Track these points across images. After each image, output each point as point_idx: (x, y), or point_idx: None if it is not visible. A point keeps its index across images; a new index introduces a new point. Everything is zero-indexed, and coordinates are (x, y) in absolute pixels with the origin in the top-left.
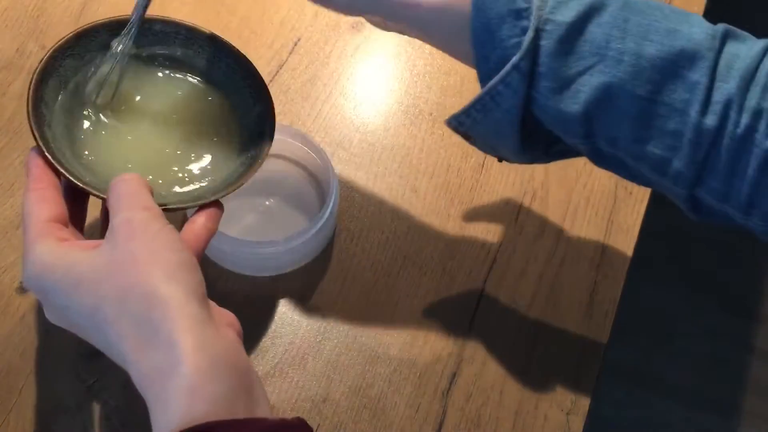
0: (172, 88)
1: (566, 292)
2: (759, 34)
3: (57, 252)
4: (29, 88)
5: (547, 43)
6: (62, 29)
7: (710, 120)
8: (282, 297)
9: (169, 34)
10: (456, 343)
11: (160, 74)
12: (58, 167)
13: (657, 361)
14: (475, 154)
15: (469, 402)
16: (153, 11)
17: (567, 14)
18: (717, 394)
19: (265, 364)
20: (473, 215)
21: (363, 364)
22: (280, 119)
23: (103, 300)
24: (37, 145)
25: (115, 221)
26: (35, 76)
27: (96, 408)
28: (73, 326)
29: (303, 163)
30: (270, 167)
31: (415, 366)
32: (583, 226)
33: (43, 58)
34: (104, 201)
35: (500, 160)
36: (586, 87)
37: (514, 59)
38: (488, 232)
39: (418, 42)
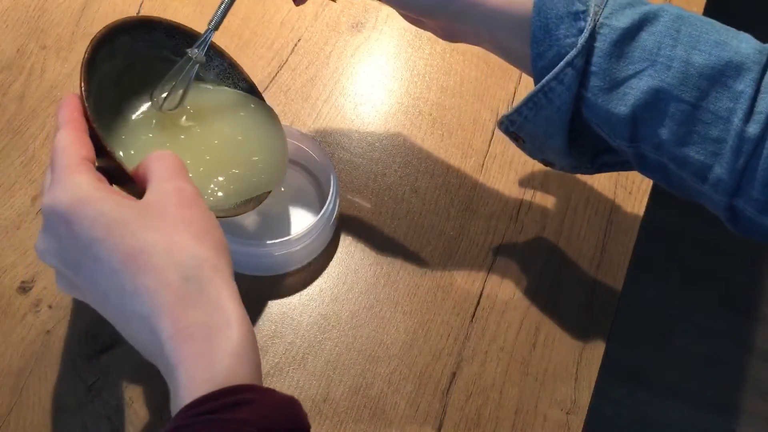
0: (220, 100)
1: (566, 292)
2: (759, 34)
3: (99, 188)
4: (91, 44)
5: (601, 45)
6: (62, 29)
7: (753, 129)
8: (282, 297)
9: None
10: (456, 343)
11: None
12: (94, 125)
13: (657, 361)
14: (475, 154)
15: (469, 402)
16: (154, 11)
17: (622, 20)
18: (717, 394)
19: (265, 363)
20: (473, 215)
21: (363, 364)
22: (281, 119)
23: (151, 247)
24: (81, 93)
25: (165, 186)
26: (99, 36)
27: (96, 408)
28: (85, 277)
29: (303, 163)
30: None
31: (415, 366)
32: (583, 226)
33: (104, 29)
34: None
35: (546, 165)
36: (635, 90)
37: (569, 56)
38: (488, 232)
39: (418, 42)
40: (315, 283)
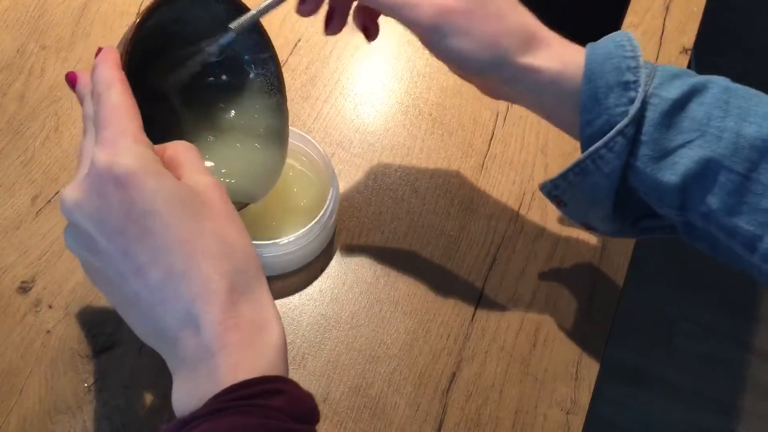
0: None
1: (566, 292)
2: (759, 34)
3: (159, 163)
4: (145, 11)
5: (651, 115)
6: (62, 29)
7: None
8: (282, 297)
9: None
10: (456, 343)
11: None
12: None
13: (657, 361)
14: (475, 154)
15: (469, 402)
16: None
17: (672, 91)
18: (717, 394)
19: None
20: (473, 215)
21: (363, 364)
22: None
23: (209, 233)
24: (124, 57)
25: (204, 178)
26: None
27: (96, 408)
28: (118, 246)
29: (303, 163)
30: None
31: (415, 366)
32: None
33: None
34: None
35: (587, 229)
36: (684, 159)
37: (621, 125)
38: (488, 231)
39: (418, 43)
40: (315, 283)
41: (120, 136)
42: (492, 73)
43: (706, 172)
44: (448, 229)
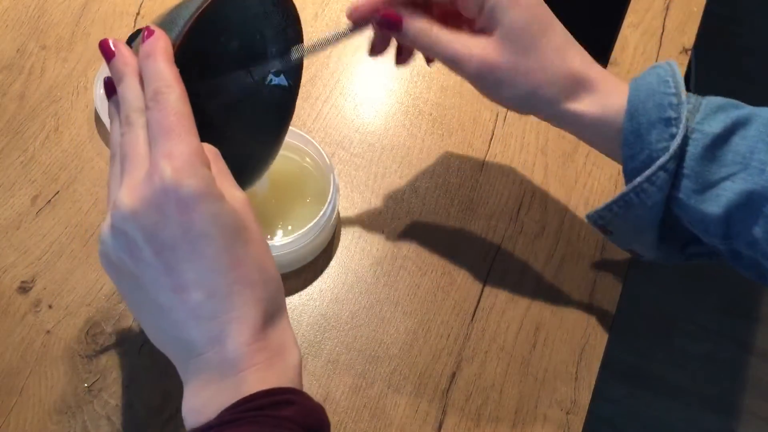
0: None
1: (566, 292)
2: (759, 34)
3: (217, 186)
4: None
5: (693, 149)
6: (62, 29)
7: None
8: None
9: None
10: (456, 343)
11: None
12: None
13: (657, 361)
14: (475, 154)
15: (469, 402)
16: (154, 11)
17: (714, 126)
18: (717, 394)
19: None
20: (473, 215)
21: (363, 364)
22: None
23: (251, 260)
24: (175, 53)
25: (238, 194)
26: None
27: (96, 408)
28: (165, 261)
29: (303, 163)
30: (270, 167)
31: (415, 366)
32: (583, 226)
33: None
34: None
35: (634, 255)
36: (728, 192)
37: (662, 160)
38: (488, 231)
39: None
40: (315, 283)
41: (189, 152)
42: (534, 112)
43: (749, 204)
44: (448, 229)
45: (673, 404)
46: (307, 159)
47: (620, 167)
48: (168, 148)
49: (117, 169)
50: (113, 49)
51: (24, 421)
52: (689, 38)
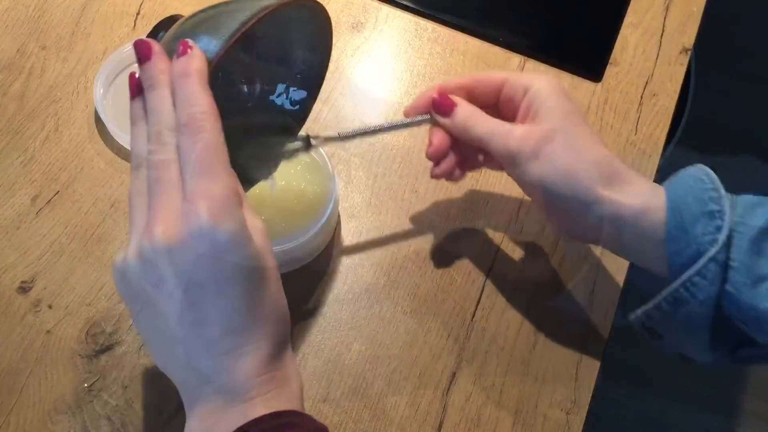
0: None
1: (566, 292)
2: (759, 34)
3: (248, 229)
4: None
5: (740, 242)
6: (62, 29)
7: None
8: None
9: None
10: (456, 343)
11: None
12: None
13: (657, 361)
14: None
15: (469, 402)
16: (154, 11)
17: (758, 219)
18: (717, 394)
19: None
20: (473, 215)
21: (363, 364)
22: None
23: (267, 302)
24: (210, 75)
25: (257, 223)
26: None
27: (96, 408)
28: (189, 299)
29: (303, 163)
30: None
31: (415, 366)
32: None
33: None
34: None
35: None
36: None
37: (712, 252)
38: (488, 231)
39: (418, 42)
40: (315, 284)
41: (226, 194)
42: (573, 203)
43: None
44: (448, 229)
45: (673, 404)
46: (307, 159)
47: None
48: (205, 188)
49: (142, 185)
50: (151, 51)
51: (24, 420)
52: (689, 38)
